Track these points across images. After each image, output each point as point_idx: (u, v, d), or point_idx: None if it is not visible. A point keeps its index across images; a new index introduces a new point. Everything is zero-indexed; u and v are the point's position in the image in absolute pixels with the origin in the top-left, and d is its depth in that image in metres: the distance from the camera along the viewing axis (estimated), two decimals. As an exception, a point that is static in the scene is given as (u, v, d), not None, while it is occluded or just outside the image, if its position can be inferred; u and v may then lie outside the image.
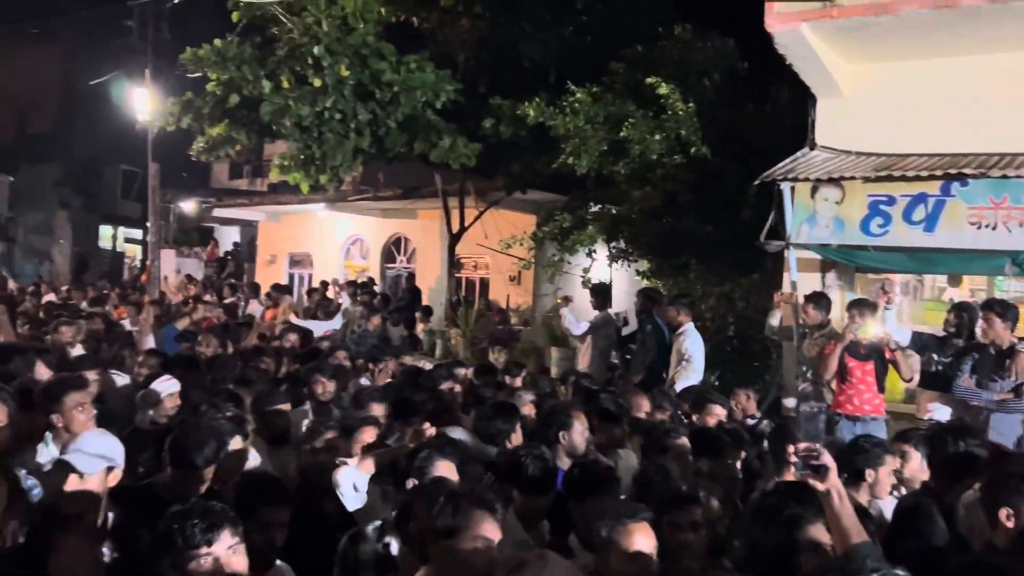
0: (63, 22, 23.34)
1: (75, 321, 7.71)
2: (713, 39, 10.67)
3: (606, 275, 11.15)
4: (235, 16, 11.36)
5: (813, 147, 7.89)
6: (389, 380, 6.50)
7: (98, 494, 2.92)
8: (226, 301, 14.19)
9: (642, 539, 2.66)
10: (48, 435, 3.84)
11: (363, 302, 13.30)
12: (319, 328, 10.48)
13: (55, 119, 29.81)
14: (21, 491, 3.12)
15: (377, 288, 15.89)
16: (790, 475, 3.15)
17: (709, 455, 4.06)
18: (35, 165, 28.41)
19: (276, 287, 12.46)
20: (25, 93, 29.29)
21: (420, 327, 13.36)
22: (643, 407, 5.43)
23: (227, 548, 2.32)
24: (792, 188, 7.21)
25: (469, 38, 12.12)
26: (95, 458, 2.92)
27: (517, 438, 4.23)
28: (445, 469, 3.23)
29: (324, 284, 15.43)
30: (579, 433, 4.11)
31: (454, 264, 14.72)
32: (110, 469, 2.99)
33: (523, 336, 12.53)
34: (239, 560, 2.35)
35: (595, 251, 10.92)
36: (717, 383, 8.49)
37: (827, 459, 2.54)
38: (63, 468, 2.88)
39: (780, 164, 7.46)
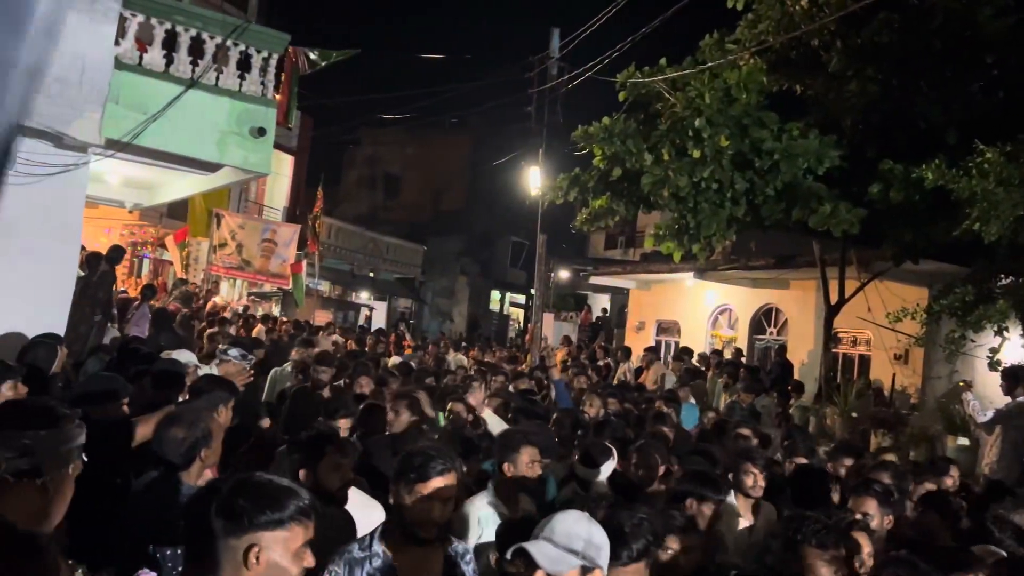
0: (474, 113, 26.92)
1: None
2: None
3: (1019, 357, 9.71)
4: (622, 96, 12.14)
5: None
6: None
7: None
8: (599, 363, 14.89)
9: None
10: (490, 485, 3.96)
11: (728, 373, 13.12)
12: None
13: (461, 197, 34.31)
14: (453, 564, 2.89)
15: (743, 360, 15.56)
16: None
17: None
18: (443, 237, 32.81)
19: (649, 350, 12.79)
20: (440, 176, 34.31)
21: (792, 402, 12.74)
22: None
23: None
24: None
25: (858, 102, 11.54)
26: (568, 554, 2.26)
27: None
28: None
29: (687, 351, 15.46)
30: None
31: (831, 338, 13.86)
32: (587, 571, 2.31)
33: (912, 421, 11.32)
34: None
35: (1007, 329, 9.58)
36: None
37: None
38: (523, 559, 2.27)
39: None
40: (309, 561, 2.09)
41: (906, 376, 13.92)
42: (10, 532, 1.68)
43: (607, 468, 4.66)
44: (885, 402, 11.97)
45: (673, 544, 3.24)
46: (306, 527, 2.08)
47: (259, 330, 12.99)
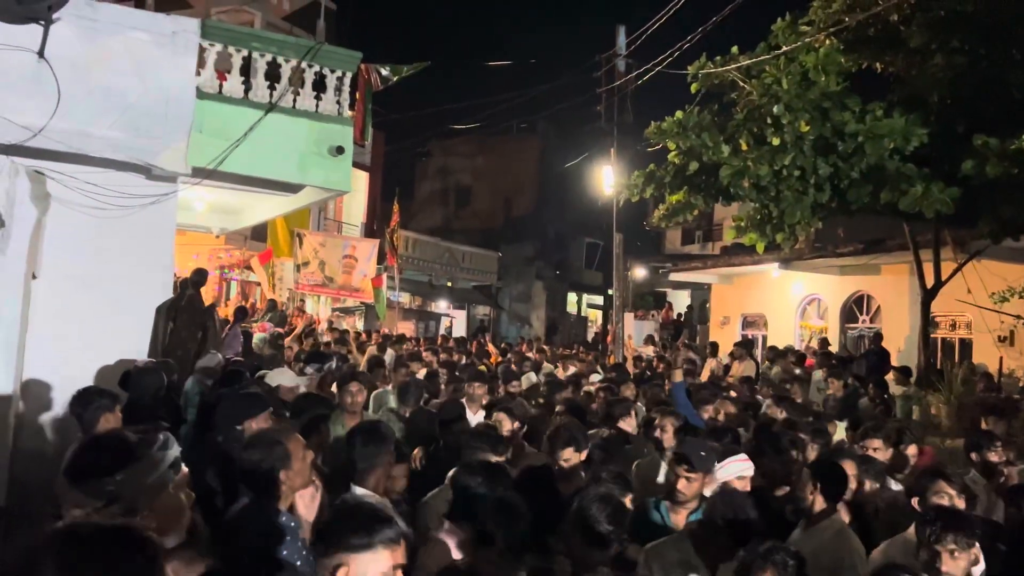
0: (542, 117, 26.87)
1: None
2: None
3: None
4: (694, 88, 11.93)
5: None
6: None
7: None
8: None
9: None
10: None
11: (825, 366, 12.70)
12: None
13: (532, 202, 34.32)
14: None
15: (832, 349, 15.07)
16: None
17: None
18: (516, 243, 32.88)
19: (740, 344, 12.50)
20: (510, 183, 34.41)
21: (895, 391, 12.23)
22: None
23: None
24: None
25: (944, 76, 11.04)
26: None
27: None
28: None
29: (778, 352, 14.93)
30: None
31: (929, 323, 13.28)
32: None
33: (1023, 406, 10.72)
34: None
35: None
36: None
37: None
38: None
39: None
40: None
41: (1013, 358, 13.27)
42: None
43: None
44: (994, 387, 11.39)
45: None
46: (394, 552, 2.17)
47: (371, 352, 12.71)
